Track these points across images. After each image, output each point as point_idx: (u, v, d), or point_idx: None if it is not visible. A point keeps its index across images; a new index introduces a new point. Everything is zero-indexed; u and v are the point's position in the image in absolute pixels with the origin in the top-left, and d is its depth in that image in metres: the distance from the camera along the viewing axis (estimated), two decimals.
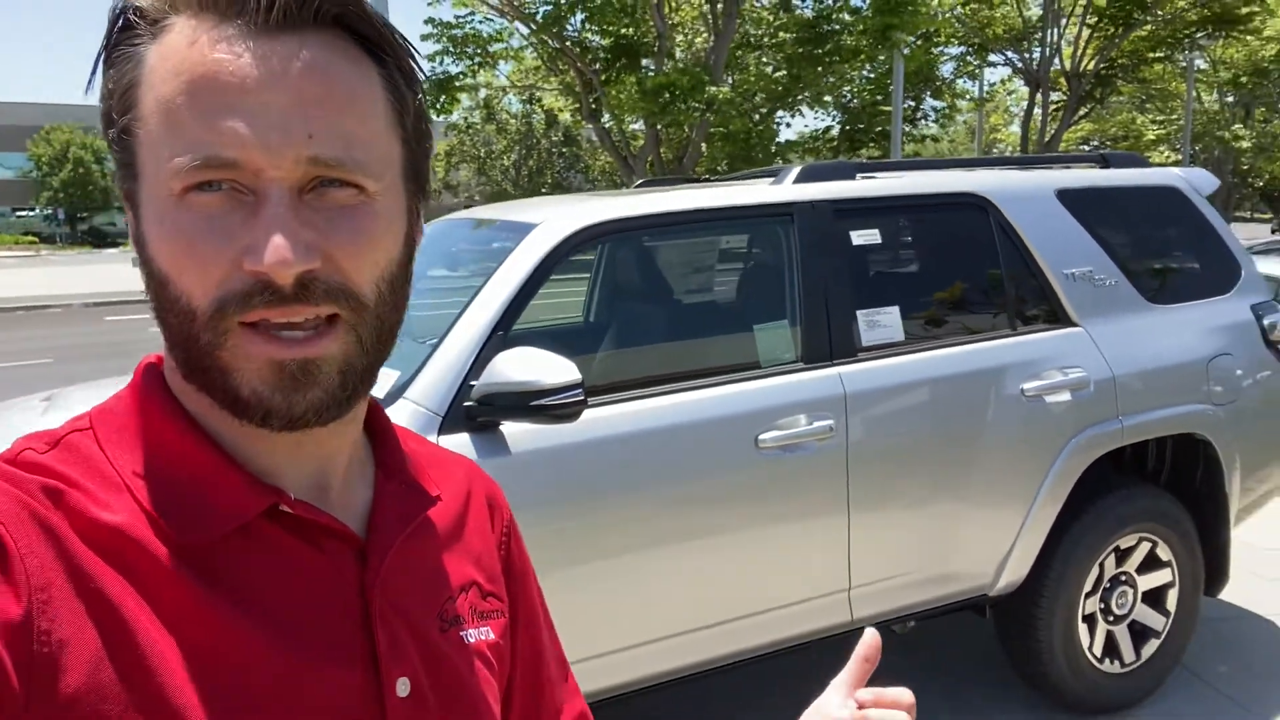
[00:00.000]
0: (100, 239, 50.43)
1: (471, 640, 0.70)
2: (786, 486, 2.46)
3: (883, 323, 2.71)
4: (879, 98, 17.76)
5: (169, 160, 0.52)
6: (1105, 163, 3.49)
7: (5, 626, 0.48)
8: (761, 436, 2.43)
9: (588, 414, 2.18)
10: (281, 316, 0.53)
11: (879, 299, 2.73)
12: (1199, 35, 20.16)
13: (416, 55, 0.61)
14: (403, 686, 0.62)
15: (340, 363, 0.56)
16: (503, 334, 2.26)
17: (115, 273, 28.47)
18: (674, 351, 2.70)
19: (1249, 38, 22.64)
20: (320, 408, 0.56)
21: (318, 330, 0.55)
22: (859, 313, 2.67)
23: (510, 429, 2.16)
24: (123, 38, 0.55)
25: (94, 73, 0.57)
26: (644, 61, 12.35)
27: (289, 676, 0.57)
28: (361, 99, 0.56)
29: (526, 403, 2.03)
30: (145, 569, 0.54)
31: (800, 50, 12.56)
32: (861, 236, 2.75)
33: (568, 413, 2.04)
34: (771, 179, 2.89)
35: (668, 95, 10.80)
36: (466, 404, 2.14)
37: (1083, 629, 3.01)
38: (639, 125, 14.29)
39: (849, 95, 18.28)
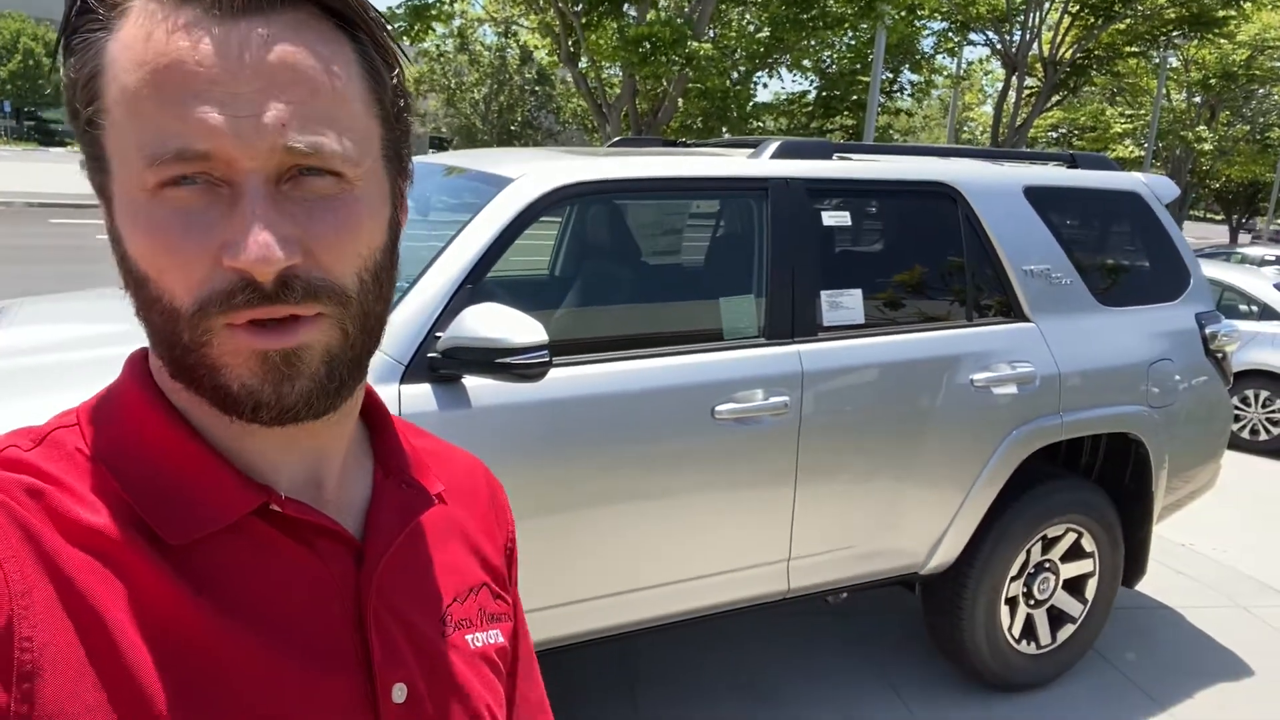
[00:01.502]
0: (48, 136, 48.56)
1: (479, 644, 0.68)
2: (737, 459, 2.52)
3: (845, 304, 2.76)
4: (857, 66, 17.74)
5: (138, 153, 0.50)
6: (1073, 163, 3.56)
7: None
8: (718, 408, 2.48)
9: (554, 373, 2.21)
10: (264, 315, 0.51)
11: (843, 281, 2.78)
12: (1175, 34, 20.38)
13: (391, 29, 0.57)
14: (399, 693, 0.60)
15: (323, 352, 0.54)
16: (472, 287, 2.27)
17: (62, 173, 27.49)
18: (638, 315, 2.73)
19: (1223, 40, 22.95)
20: (310, 398, 0.54)
21: (298, 320, 0.53)
22: (823, 293, 2.72)
23: (472, 382, 2.18)
24: (81, 23, 0.51)
25: (54, 59, 0.54)
26: (627, 8, 12.15)
27: (278, 681, 0.55)
28: (336, 80, 0.52)
29: (491, 359, 2.05)
30: (131, 571, 0.53)
31: (785, 11, 12.45)
32: (832, 217, 2.79)
33: (532, 373, 2.07)
34: (749, 151, 2.91)
35: (648, 45, 10.66)
36: (430, 355, 2.15)
37: (1004, 611, 3.16)
38: (616, 72, 14.11)
39: (829, 61, 18.22)
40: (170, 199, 0.50)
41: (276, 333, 0.52)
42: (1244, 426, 7.29)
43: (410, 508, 0.66)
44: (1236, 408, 7.24)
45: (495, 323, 2.07)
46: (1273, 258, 11.57)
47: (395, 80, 0.57)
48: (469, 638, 0.67)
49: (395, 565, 0.63)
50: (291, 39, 0.51)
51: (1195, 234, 41.88)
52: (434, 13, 12.43)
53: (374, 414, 0.69)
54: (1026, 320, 3.05)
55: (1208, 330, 3.44)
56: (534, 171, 2.46)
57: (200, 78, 0.49)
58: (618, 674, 3.27)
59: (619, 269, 3.07)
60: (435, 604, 0.66)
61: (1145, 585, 3.87)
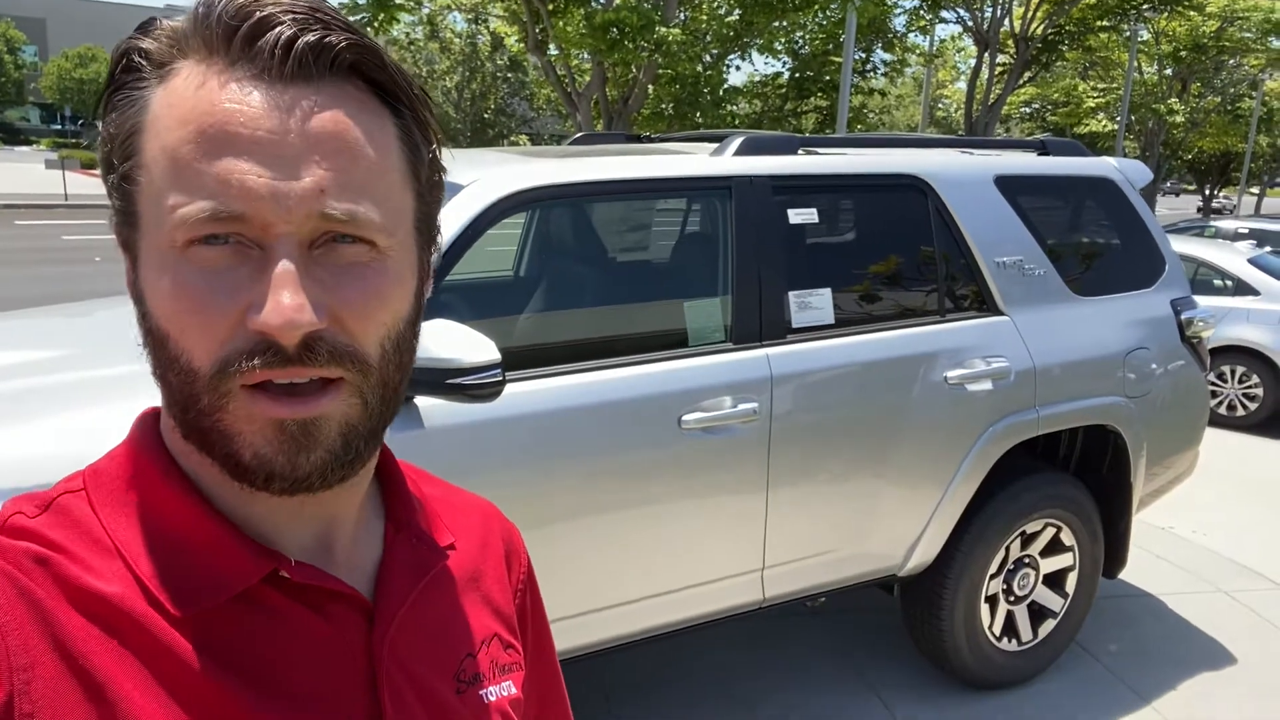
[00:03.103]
0: (12, 135, 47.73)
1: (492, 699, 0.67)
2: (706, 469, 2.45)
3: (814, 304, 2.68)
4: (830, 47, 17.62)
5: (172, 212, 0.50)
6: (1044, 149, 3.49)
7: None
8: (685, 417, 2.40)
9: (507, 388, 2.12)
10: (284, 378, 0.51)
11: (812, 280, 2.70)
12: (1145, 7, 20.41)
13: (432, 105, 0.58)
14: None
15: (341, 424, 0.54)
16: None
17: (28, 174, 27.03)
18: (599, 321, 2.64)
19: (1192, 13, 23.01)
20: (324, 470, 0.54)
21: (319, 388, 0.52)
22: (790, 294, 2.64)
23: (424, 402, 2.09)
24: (126, 79, 0.53)
25: (95, 112, 0.55)
26: None
27: None
28: (377, 151, 0.53)
29: (443, 380, 1.96)
30: (138, 641, 0.52)
31: None
32: (798, 215, 2.71)
33: (486, 393, 1.98)
34: (712, 147, 2.82)
35: (616, 31, 10.51)
36: None
37: (984, 609, 3.11)
38: (587, 59, 13.94)
39: (801, 42, 18.10)
40: (199, 257, 0.50)
41: (296, 401, 0.51)
42: (1221, 402, 7.30)
43: (421, 565, 0.65)
44: (1213, 383, 7.25)
45: (447, 341, 1.98)
46: (1245, 230, 11.60)
47: (431, 155, 0.58)
48: (482, 693, 0.67)
49: (407, 624, 0.63)
50: (337, 107, 0.52)
51: (1170, 207, 42.19)
52: (398, 3, 12.21)
53: (385, 468, 0.68)
54: (1000, 313, 2.98)
55: (1183, 316, 3.39)
56: (487, 177, 2.36)
57: (244, 139, 0.49)
58: (591, 685, 3.20)
59: (579, 274, 2.98)
60: (448, 661, 0.65)
61: (1126, 573, 3.83)
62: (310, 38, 0.50)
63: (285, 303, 0.49)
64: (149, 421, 0.61)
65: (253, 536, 0.57)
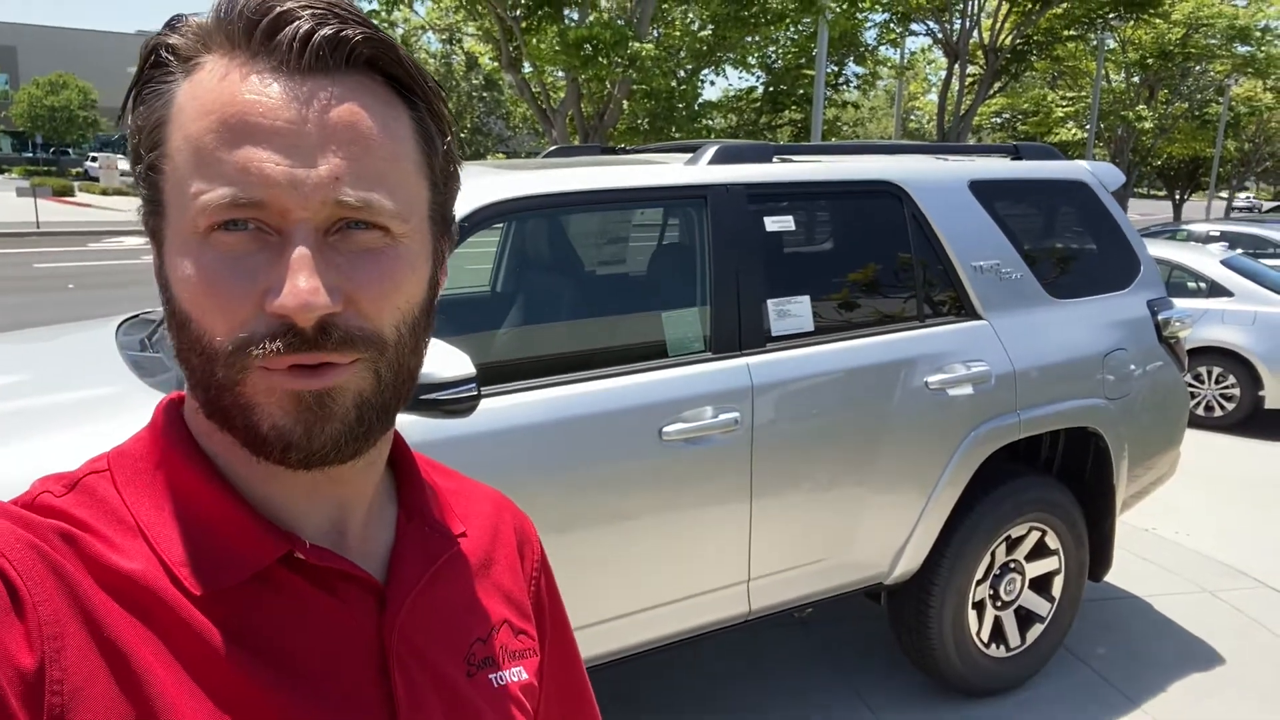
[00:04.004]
0: None
1: (504, 682, 0.69)
2: (688, 481, 2.41)
3: (793, 312, 2.67)
4: (802, 61, 17.77)
5: (195, 198, 0.52)
6: (1017, 154, 3.50)
7: (18, 676, 0.48)
8: (665, 429, 2.37)
9: (483, 403, 2.08)
10: (301, 361, 0.53)
11: (790, 287, 2.68)
12: (1112, 16, 20.71)
13: (446, 98, 0.60)
14: None
15: (356, 396, 0.55)
16: None
17: None
18: (577, 333, 2.61)
19: (1158, 20, 23.39)
20: (339, 441, 0.55)
21: (334, 365, 0.54)
22: (769, 302, 2.62)
23: (399, 418, 2.05)
24: (154, 74, 0.55)
25: (125, 108, 0.57)
26: (566, 11, 12.00)
27: None
28: (391, 141, 0.55)
29: (416, 396, 1.92)
30: (160, 617, 0.54)
31: (726, 9, 12.38)
32: (775, 223, 2.69)
33: (461, 409, 1.94)
34: (687, 157, 2.80)
35: (590, 48, 10.53)
36: None
37: (972, 615, 3.08)
38: (562, 75, 13.97)
39: (774, 57, 18.23)
40: (219, 242, 0.52)
41: (312, 374, 0.53)
42: (1199, 403, 7.35)
43: (433, 551, 0.67)
44: (1190, 385, 7.30)
45: None
46: (1217, 233, 11.74)
47: (446, 147, 0.60)
48: (492, 677, 0.68)
49: (418, 608, 0.64)
50: (353, 99, 0.54)
51: (1143, 209, 42.73)
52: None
53: (399, 458, 0.70)
54: (979, 318, 2.98)
55: (1160, 317, 3.40)
56: (462, 189, 2.33)
57: (263, 129, 0.51)
58: None
59: (555, 287, 2.95)
60: (458, 645, 0.67)
61: (1112, 575, 3.83)
62: (327, 31, 0.52)
63: (301, 286, 0.51)
64: (173, 406, 0.63)
65: (270, 519, 0.59)
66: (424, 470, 0.72)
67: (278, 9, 0.52)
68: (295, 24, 0.52)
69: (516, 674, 0.70)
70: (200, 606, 0.55)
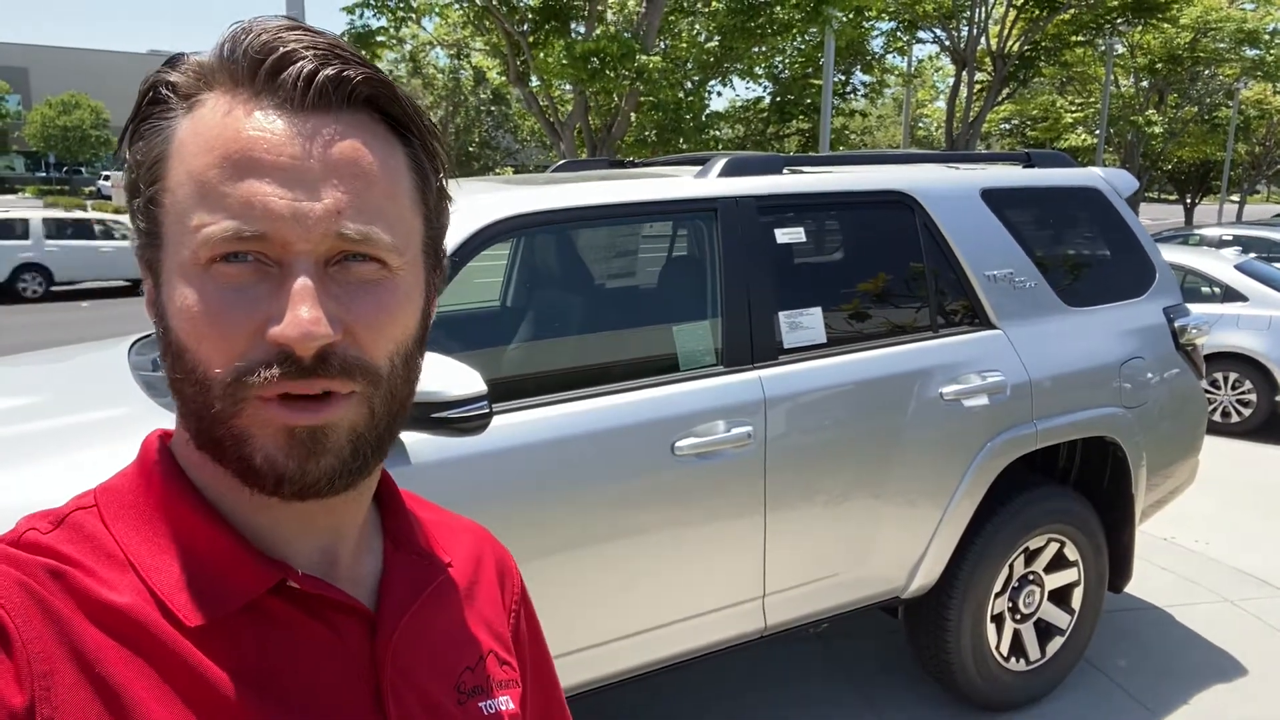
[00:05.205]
0: None
1: (492, 711, 0.69)
2: (702, 496, 2.39)
3: (805, 324, 2.64)
4: (810, 70, 17.79)
5: (197, 230, 0.53)
6: (1029, 161, 3.48)
7: (8, 714, 0.48)
8: (678, 444, 2.35)
9: (495, 420, 2.07)
10: (297, 390, 0.53)
11: (801, 300, 2.66)
12: (1119, 21, 20.66)
13: (441, 136, 0.62)
14: None
15: (349, 430, 0.56)
16: None
17: None
18: (588, 349, 2.60)
19: (1166, 25, 23.31)
20: (332, 475, 0.56)
21: (329, 397, 0.54)
22: (781, 314, 2.60)
23: (410, 437, 2.04)
24: (152, 111, 0.56)
25: (121, 142, 0.58)
26: (573, 25, 12.05)
27: None
28: (390, 177, 0.57)
29: (428, 414, 1.91)
30: (151, 651, 0.54)
31: (732, 20, 12.40)
32: (786, 235, 2.68)
33: (472, 426, 1.92)
34: (696, 170, 2.79)
35: (597, 61, 10.55)
36: None
37: (991, 629, 3.04)
38: (569, 88, 14.01)
39: (781, 67, 18.25)
40: (220, 274, 0.53)
41: (306, 409, 0.54)
42: (1215, 409, 7.28)
43: (422, 579, 0.68)
44: (1206, 391, 7.23)
45: (431, 374, 1.92)
46: (1230, 237, 11.66)
47: (439, 183, 0.62)
48: (483, 705, 0.68)
49: (409, 635, 0.64)
50: (355, 136, 0.55)
51: (1155, 214, 42.53)
52: (380, 41, 12.27)
53: (384, 490, 0.71)
54: (993, 327, 2.95)
55: (1177, 324, 3.36)
56: (471, 205, 2.33)
57: (267, 163, 0.53)
58: (588, 706, 3.13)
59: (565, 302, 2.93)
60: (449, 672, 0.67)
61: (1132, 586, 3.78)
62: (330, 71, 0.54)
63: (304, 316, 0.51)
64: (160, 440, 0.63)
65: (261, 549, 0.59)
66: (407, 504, 0.73)
67: (281, 49, 0.54)
68: (299, 64, 0.54)
69: (505, 703, 0.70)
70: (192, 638, 0.55)
